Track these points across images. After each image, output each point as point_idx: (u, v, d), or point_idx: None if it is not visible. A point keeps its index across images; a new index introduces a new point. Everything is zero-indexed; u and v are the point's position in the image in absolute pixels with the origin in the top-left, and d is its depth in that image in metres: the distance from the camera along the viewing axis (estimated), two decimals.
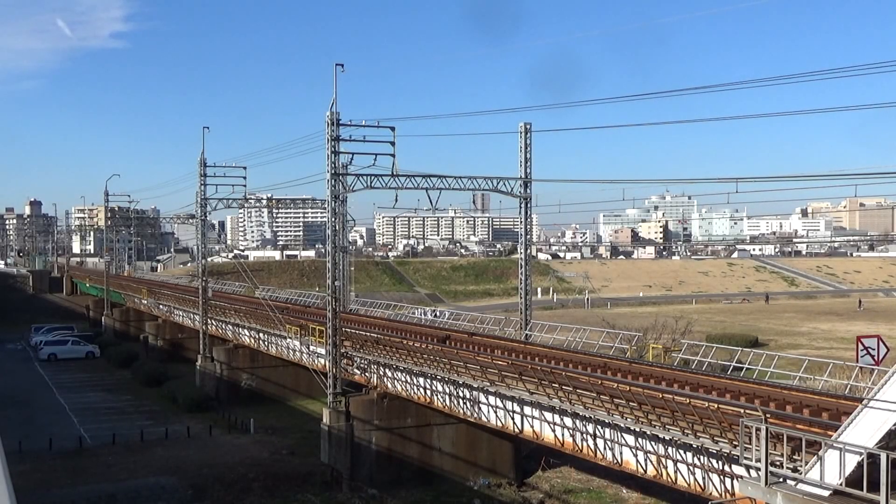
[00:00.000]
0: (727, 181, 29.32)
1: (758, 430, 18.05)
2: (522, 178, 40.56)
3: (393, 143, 37.00)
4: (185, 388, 56.85)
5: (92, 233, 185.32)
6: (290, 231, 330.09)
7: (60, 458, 40.99)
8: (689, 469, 23.07)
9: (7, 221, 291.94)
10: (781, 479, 18.05)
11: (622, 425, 24.73)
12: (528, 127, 40.30)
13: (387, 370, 37.56)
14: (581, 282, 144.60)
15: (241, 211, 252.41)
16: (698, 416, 21.57)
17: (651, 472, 24.40)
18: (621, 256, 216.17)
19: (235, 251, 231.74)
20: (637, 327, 52.35)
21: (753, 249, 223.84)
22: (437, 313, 67.26)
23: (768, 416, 18.66)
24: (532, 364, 29.69)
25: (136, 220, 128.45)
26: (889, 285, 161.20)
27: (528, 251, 42.87)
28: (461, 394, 32.86)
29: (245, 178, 58.41)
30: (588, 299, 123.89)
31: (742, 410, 20.58)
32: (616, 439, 25.48)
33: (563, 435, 27.82)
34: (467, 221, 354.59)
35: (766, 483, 17.91)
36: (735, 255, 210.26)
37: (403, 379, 36.43)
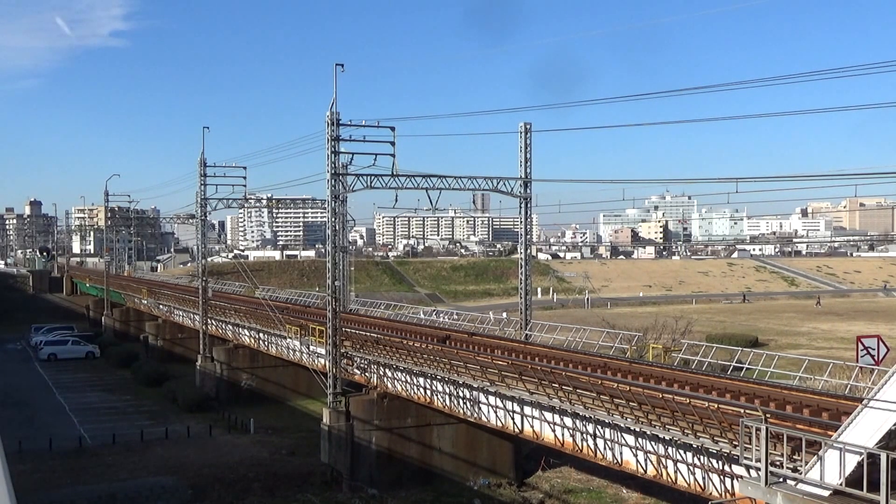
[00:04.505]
0: (727, 181, 29.35)
1: (758, 430, 18.05)
2: (522, 178, 40.56)
3: (393, 143, 37.05)
4: (185, 388, 56.86)
5: (92, 233, 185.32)
6: (290, 231, 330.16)
7: (60, 458, 40.98)
8: (689, 469, 23.08)
9: (7, 221, 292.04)
10: (781, 479, 18.04)
11: (622, 425, 24.73)
12: (528, 127, 40.30)
13: (387, 370, 37.56)
14: (581, 282, 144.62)
15: (241, 211, 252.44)
16: (698, 416, 21.57)
17: (651, 472, 24.40)
18: (621, 256, 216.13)
19: (235, 251, 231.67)
20: (637, 327, 52.36)
21: (753, 249, 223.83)
22: (437, 313, 67.23)
23: (768, 416, 18.65)
24: (532, 364, 29.68)
25: (136, 220, 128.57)
26: (889, 285, 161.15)
27: (528, 251, 42.87)
28: (461, 394, 32.86)
29: (245, 178, 58.54)
30: (588, 299, 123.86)
31: (742, 410, 20.58)
32: (616, 439, 25.48)
33: (563, 435, 27.82)
34: (467, 221, 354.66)
35: (766, 483, 17.90)
36: (735, 255, 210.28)
37: (403, 379, 36.43)
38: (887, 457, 15.19)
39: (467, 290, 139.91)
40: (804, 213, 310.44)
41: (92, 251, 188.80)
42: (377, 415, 36.64)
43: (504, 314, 65.68)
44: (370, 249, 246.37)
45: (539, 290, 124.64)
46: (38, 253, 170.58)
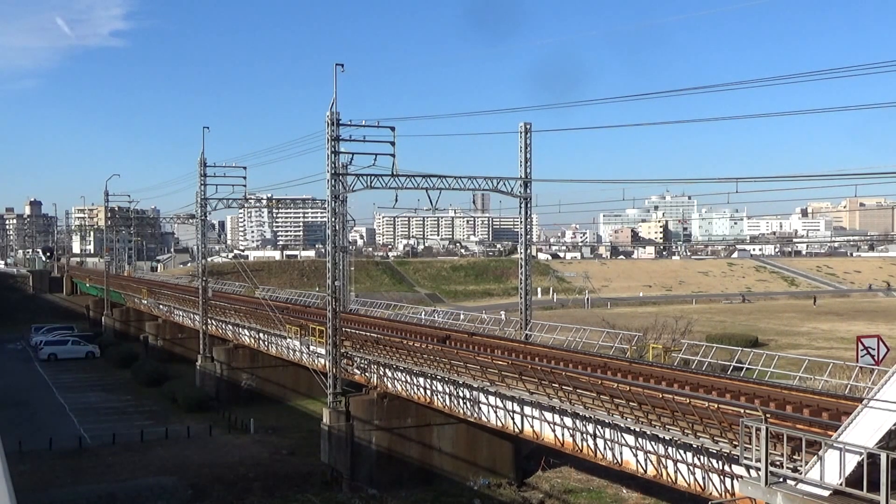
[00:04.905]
0: (727, 181, 29.37)
1: (758, 430, 18.05)
2: (522, 178, 40.56)
3: (393, 143, 37.04)
4: (185, 388, 56.84)
5: (92, 233, 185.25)
6: (290, 231, 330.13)
7: (60, 458, 40.99)
8: (689, 469, 23.07)
9: (7, 221, 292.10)
10: (781, 479, 18.04)
11: (622, 425, 24.73)
12: (528, 127, 40.30)
13: (387, 370, 37.56)
14: (581, 282, 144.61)
15: (241, 211, 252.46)
16: (698, 416, 21.57)
17: (651, 472, 24.40)
18: (621, 256, 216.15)
19: (235, 251, 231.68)
20: (637, 327, 52.37)
21: (753, 249, 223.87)
22: (434, 313, 67.20)
23: (768, 416, 18.65)
24: (532, 364, 29.68)
25: (136, 220, 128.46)
26: (874, 285, 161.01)
27: (528, 251, 42.86)
28: (461, 394, 32.86)
29: (245, 178, 58.51)
30: (588, 299, 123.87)
31: (742, 410, 20.58)
32: (616, 439, 25.48)
33: (563, 435, 27.81)
34: (467, 221, 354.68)
35: (766, 483, 17.90)
36: (735, 255, 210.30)
37: (403, 379, 36.42)
38: (887, 457, 15.19)
39: (467, 290, 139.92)
40: (804, 213, 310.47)
41: (92, 251, 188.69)
42: (377, 415, 36.63)
43: (502, 313, 65.64)
44: (370, 249, 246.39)
45: (539, 290, 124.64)
46: (41, 253, 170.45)
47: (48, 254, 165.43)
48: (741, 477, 19.72)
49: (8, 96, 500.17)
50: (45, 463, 39.95)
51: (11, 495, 6.84)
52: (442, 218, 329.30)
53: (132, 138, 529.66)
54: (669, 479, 23.84)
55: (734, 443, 20.11)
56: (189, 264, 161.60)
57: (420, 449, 36.86)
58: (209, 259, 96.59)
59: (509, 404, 30.25)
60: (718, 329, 79.69)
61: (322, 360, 42.07)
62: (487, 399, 31.35)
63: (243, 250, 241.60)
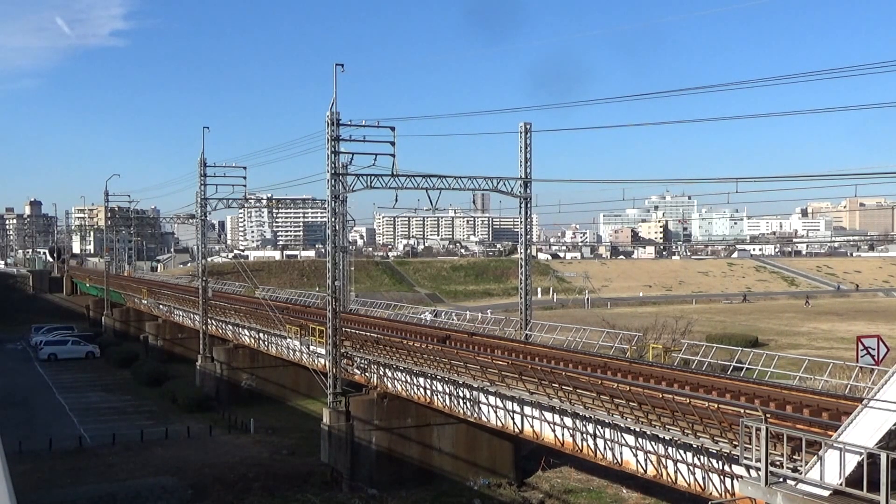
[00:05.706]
0: (727, 181, 29.37)
1: (758, 430, 18.04)
2: (522, 178, 40.56)
3: (393, 143, 37.03)
4: (185, 388, 56.84)
5: (92, 233, 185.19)
6: (290, 231, 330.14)
7: (60, 458, 40.97)
8: (689, 469, 23.07)
9: (7, 221, 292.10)
10: (781, 479, 18.04)
11: (622, 425, 24.73)
12: (528, 127, 40.30)
13: (387, 370, 37.56)
14: (581, 282, 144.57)
15: (241, 211, 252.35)
16: (698, 416, 21.57)
17: (651, 472, 24.40)
18: (621, 256, 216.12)
19: (235, 251, 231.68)
20: (637, 327, 52.36)
21: (753, 249, 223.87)
22: (441, 313, 67.16)
23: (768, 416, 18.65)
24: (532, 364, 29.67)
25: (136, 220, 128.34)
26: (889, 285, 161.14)
27: (528, 251, 42.86)
28: (461, 394, 32.86)
29: (245, 178, 58.53)
30: (588, 299, 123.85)
31: (742, 410, 20.58)
32: (616, 439, 25.48)
33: (563, 435, 27.81)
34: (467, 221, 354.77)
35: (766, 483, 17.90)
36: (735, 255, 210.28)
37: (403, 379, 36.42)
38: (887, 457, 15.19)
39: (467, 290, 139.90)
40: (804, 213, 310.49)
41: (92, 251, 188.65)
42: (377, 415, 36.63)
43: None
44: (370, 249, 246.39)
45: (539, 290, 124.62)
46: (47, 254, 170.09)
47: (54, 255, 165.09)
48: (741, 477, 19.72)
49: (8, 96, 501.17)
50: (45, 463, 39.93)
51: (11, 495, 6.84)
52: (442, 218, 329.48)
53: (132, 138, 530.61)
54: (669, 479, 23.84)
55: (734, 443, 20.11)
56: (189, 264, 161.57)
57: (420, 449, 36.86)
58: (209, 259, 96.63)
59: (509, 404, 30.25)
60: (718, 329, 79.69)
61: (322, 360, 42.06)
62: (487, 399, 31.35)
63: (243, 250, 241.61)
